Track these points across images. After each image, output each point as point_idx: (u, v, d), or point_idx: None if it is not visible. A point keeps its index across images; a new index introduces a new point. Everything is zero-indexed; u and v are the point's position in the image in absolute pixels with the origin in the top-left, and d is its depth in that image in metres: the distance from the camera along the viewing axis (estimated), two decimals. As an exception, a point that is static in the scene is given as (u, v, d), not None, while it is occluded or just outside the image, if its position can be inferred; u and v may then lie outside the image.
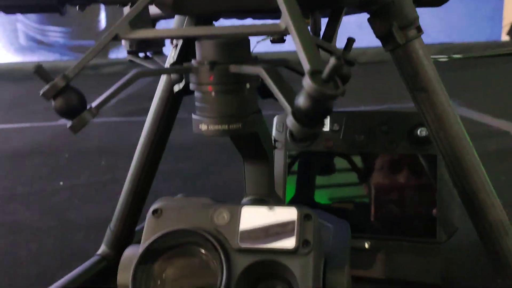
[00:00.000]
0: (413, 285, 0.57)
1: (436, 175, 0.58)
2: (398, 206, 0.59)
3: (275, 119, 0.64)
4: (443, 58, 2.67)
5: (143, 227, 0.70)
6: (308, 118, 0.28)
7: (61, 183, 1.03)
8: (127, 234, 0.64)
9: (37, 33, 3.34)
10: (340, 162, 0.62)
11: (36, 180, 1.07)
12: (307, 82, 0.27)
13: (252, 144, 0.42)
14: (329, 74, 0.27)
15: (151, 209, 0.36)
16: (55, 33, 3.35)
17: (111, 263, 0.64)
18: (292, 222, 0.33)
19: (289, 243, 0.32)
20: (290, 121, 0.29)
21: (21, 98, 2.27)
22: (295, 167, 0.63)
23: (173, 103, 0.56)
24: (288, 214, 0.33)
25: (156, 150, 0.60)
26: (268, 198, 0.47)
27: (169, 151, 0.63)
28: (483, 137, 1.25)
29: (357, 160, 0.62)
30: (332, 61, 0.26)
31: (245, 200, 0.47)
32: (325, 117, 0.28)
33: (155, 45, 0.60)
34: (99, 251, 0.65)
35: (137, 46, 0.57)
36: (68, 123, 0.33)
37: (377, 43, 0.49)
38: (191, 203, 0.36)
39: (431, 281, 0.57)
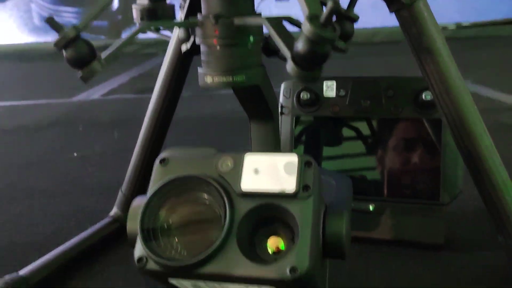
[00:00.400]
0: (416, 245, 0.59)
1: (441, 139, 0.59)
2: (402, 169, 0.60)
3: (282, 85, 0.65)
4: (451, 26, 2.64)
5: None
6: (307, 62, 0.29)
7: (75, 154, 1.06)
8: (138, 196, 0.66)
9: (51, 13, 3.36)
10: (346, 127, 0.63)
11: (50, 151, 1.09)
12: (306, 26, 0.28)
13: (255, 98, 0.43)
14: (326, 18, 0.28)
15: (158, 159, 0.37)
16: (68, 14, 3.37)
17: (122, 224, 0.66)
18: (293, 168, 0.34)
19: (290, 187, 0.34)
20: (289, 65, 0.30)
21: (36, 77, 2.31)
22: (301, 133, 0.65)
23: (182, 65, 0.58)
24: (289, 160, 0.35)
25: (166, 113, 0.61)
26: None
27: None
28: (496, 111, 1.24)
29: (363, 125, 0.62)
30: (330, 4, 0.27)
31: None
32: (324, 61, 0.30)
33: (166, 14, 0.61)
34: (111, 213, 0.68)
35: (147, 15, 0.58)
36: (78, 73, 0.35)
37: (391, 22, 0.49)
38: (197, 152, 0.37)
39: (434, 242, 0.58)
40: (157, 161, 0.37)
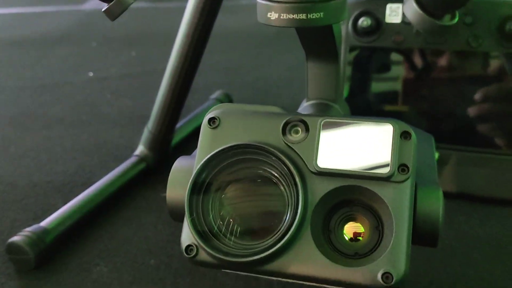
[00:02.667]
0: (485, 200, 0.52)
1: (527, 78, 0.49)
2: (476, 112, 0.52)
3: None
4: None
5: (182, 125, 0.65)
6: (437, 5, 0.20)
7: (91, 74, 0.98)
8: (166, 135, 0.59)
9: None
10: (410, 61, 0.54)
11: (64, 71, 1.01)
12: None
13: (323, 38, 0.34)
14: None
15: (206, 117, 0.30)
16: None
17: (150, 164, 0.60)
18: (387, 141, 0.26)
19: (382, 167, 0.26)
20: (411, 8, 0.20)
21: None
22: (355, 67, 0.55)
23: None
24: (381, 130, 0.27)
25: (199, 39, 0.52)
26: (333, 104, 0.40)
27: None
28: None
29: (431, 59, 0.53)
30: None
31: (305, 104, 0.40)
32: (461, 4, 0.20)
33: None
34: (137, 152, 0.61)
35: None
36: (104, 6, 0.26)
37: None
38: (256, 112, 0.29)
39: (503, 196, 0.51)
40: (205, 121, 0.29)
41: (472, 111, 0.52)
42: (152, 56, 1.06)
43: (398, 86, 0.55)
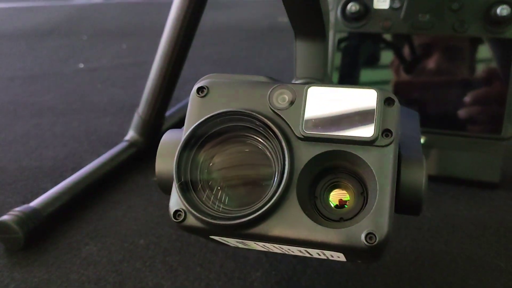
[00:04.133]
0: (468, 183, 0.53)
1: (511, 63, 0.50)
2: (460, 96, 0.52)
3: (324, -6, 0.55)
4: None
5: (173, 113, 0.65)
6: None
7: (81, 65, 0.98)
8: (156, 119, 0.60)
9: None
10: (397, 46, 0.55)
11: (54, 62, 1.01)
12: None
13: (309, 7, 0.34)
14: None
15: (195, 87, 0.30)
16: None
17: (140, 149, 0.60)
18: (371, 107, 0.27)
19: (366, 131, 0.26)
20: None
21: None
22: (344, 52, 0.56)
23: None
24: (365, 96, 0.27)
25: (189, 24, 0.52)
26: (321, 82, 0.40)
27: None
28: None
29: (417, 43, 0.54)
30: None
31: (295, 82, 0.41)
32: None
33: None
34: (127, 137, 0.61)
35: None
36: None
37: None
38: (244, 81, 0.30)
39: (488, 179, 0.52)
40: (194, 90, 0.30)
41: (458, 95, 0.53)
42: (143, 48, 1.07)
43: (386, 71, 0.55)
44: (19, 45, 1.13)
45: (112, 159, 0.57)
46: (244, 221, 0.26)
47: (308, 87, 0.28)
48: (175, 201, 0.28)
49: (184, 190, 0.28)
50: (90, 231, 0.48)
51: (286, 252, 0.32)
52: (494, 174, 0.52)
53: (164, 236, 0.47)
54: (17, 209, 0.46)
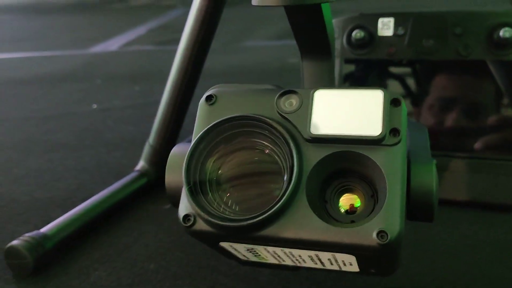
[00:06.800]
0: (484, 206, 0.52)
1: (517, 84, 0.51)
2: (470, 119, 0.53)
3: (330, 24, 0.57)
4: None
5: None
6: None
7: (95, 106, 1.00)
8: (167, 149, 0.60)
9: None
10: (402, 71, 0.56)
11: (68, 104, 1.03)
12: None
13: (313, 24, 0.35)
14: None
15: (204, 96, 0.31)
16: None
17: (151, 179, 0.61)
18: (378, 107, 0.27)
19: (373, 130, 0.27)
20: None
21: (51, 30, 2.23)
22: (350, 78, 0.57)
23: (214, 4, 0.50)
24: (371, 97, 0.28)
25: (197, 56, 0.54)
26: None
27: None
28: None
29: (423, 68, 0.54)
30: None
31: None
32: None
33: None
34: (138, 167, 0.62)
35: None
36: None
37: None
38: (252, 88, 0.30)
39: (505, 202, 0.51)
40: (202, 99, 0.31)
41: (466, 117, 0.53)
42: (156, 89, 1.09)
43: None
44: (35, 89, 1.16)
45: (122, 188, 0.57)
46: (254, 222, 0.26)
47: (315, 91, 0.28)
48: (184, 206, 0.28)
49: (194, 194, 0.28)
50: (99, 257, 0.48)
51: (298, 264, 0.32)
52: (511, 196, 0.51)
53: (175, 260, 0.46)
54: (27, 234, 0.46)
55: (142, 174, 0.60)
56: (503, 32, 0.49)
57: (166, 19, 2.26)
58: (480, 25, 0.51)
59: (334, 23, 0.57)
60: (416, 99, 0.55)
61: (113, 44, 1.74)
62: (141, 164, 0.61)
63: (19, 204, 0.59)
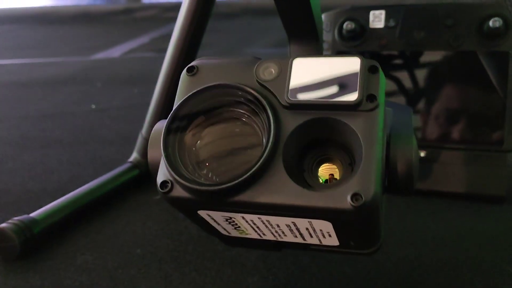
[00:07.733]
0: (473, 198, 0.51)
1: (507, 75, 0.51)
2: (460, 110, 0.53)
3: (322, 17, 0.57)
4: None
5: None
6: None
7: (93, 106, 1.01)
8: (159, 141, 0.60)
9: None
10: (394, 63, 0.56)
11: (67, 104, 1.04)
12: None
13: (300, 9, 0.36)
14: None
15: (186, 68, 0.31)
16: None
17: (143, 170, 0.61)
18: (355, 74, 0.27)
19: (350, 96, 0.27)
20: None
21: (54, 39, 2.26)
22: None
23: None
24: (349, 64, 0.28)
25: (191, 42, 0.54)
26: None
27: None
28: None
29: (414, 60, 0.55)
30: None
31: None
32: None
33: None
34: (131, 158, 0.62)
35: None
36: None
37: None
38: (232, 60, 0.31)
39: (494, 193, 0.51)
40: (184, 71, 0.31)
41: (456, 109, 0.53)
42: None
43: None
44: (35, 91, 1.17)
45: (114, 178, 0.58)
46: (229, 186, 0.26)
47: (293, 59, 0.29)
48: (163, 173, 0.28)
49: (171, 161, 0.28)
50: (87, 243, 0.48)
51: (279, 238, 0.32)
52: (499, 187, 0.51)
53: (161, 246, 0.46)
54: (16, 218, 0.46)
55: (134, 165, 0.60)
56: (493, 22, 0.49)
57: (168, 29, 2.28)
58: (470, 16, 0.52)
59: (325, 16, 0.57)
60: (407, 90, 0.55)
61: (115, 52, 1.76)
62: (134, 156, 0.62)
63: (11, 194, 0.59)
